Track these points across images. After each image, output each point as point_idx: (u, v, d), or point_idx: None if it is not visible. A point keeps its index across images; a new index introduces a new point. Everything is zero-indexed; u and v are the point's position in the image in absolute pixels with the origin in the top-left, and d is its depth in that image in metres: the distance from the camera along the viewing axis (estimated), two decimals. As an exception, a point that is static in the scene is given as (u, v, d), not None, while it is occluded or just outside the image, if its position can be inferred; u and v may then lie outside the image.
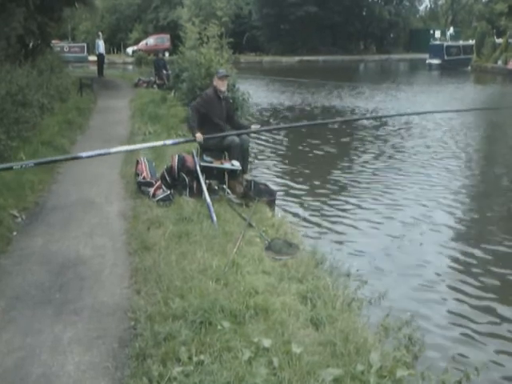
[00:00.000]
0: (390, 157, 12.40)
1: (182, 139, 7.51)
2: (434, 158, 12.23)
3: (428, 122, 16.93)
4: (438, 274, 6.32)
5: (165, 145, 7.66)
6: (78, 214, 6.59)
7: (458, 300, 5.77)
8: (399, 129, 16.00)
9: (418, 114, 17.51)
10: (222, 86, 7.54)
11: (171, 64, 20.00)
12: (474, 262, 6.68)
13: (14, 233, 5.95)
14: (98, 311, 4.24)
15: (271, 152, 12.90)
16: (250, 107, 14.54)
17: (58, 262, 5.16)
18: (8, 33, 13.45)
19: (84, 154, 6.84)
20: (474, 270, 6.46)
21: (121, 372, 3.45)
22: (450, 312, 5.52)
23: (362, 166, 11.41)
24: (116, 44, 51.93)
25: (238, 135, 7.34)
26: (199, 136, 7.11)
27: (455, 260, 6.76)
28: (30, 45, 16.00)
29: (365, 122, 17.21)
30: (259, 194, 7.19)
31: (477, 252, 6.93)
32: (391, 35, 63.41)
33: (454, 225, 7.98)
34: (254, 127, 8.06)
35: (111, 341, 3.81)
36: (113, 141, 10.16)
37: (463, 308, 5.60)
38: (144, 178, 7.23)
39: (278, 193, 8.16)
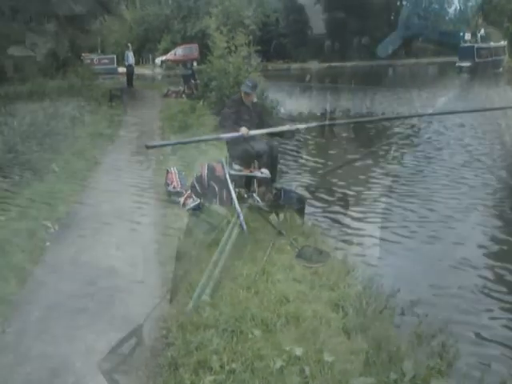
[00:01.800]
0: (421, 166, 11.84)
1: (230, 134, 7.32)
2: (471, 163, 11.77)
3: (464, 125, 16.52)
4: (473, 285, 6.15)
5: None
6: (110, 223, 6.66)
7: (493, 309, 5.62)
8: (431, 136, 15.52)
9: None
10: (245, 99, 7.22)
11: (200, 73, 20.10)
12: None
13: (47, 243, 6.04)
14: (130, 320, 4.26)
15: (293, 161, 12.62)
16: (278, 114, 14.48)
17: (90, 271, 5.22)
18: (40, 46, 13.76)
19: (223, 136, 6.96)
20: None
21: (153, 381, 3.47)
22: (484, 320, 5.38)
23: (392, 176, 11.05)
24: (145, 55, 52.57)
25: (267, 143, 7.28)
26: (244, 129, 6.78)
27: (490, 273, 6.54)
28: (61, 58, 16.28)
29: (396, 129, 16.77)
30: (289, 201, 7.16)
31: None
32: (420, 39, 62.83)
33: (490, 238, 7.68)
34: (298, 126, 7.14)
35: (143, 350, 3.83)
36: (144, 151, 10.21)
37: (498, 316, 5.46)
38: (174, 187, 7.29)
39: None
